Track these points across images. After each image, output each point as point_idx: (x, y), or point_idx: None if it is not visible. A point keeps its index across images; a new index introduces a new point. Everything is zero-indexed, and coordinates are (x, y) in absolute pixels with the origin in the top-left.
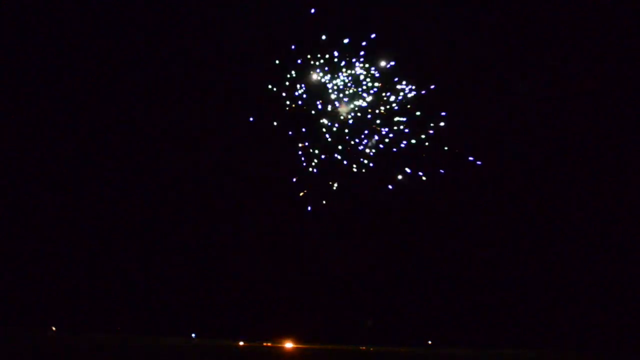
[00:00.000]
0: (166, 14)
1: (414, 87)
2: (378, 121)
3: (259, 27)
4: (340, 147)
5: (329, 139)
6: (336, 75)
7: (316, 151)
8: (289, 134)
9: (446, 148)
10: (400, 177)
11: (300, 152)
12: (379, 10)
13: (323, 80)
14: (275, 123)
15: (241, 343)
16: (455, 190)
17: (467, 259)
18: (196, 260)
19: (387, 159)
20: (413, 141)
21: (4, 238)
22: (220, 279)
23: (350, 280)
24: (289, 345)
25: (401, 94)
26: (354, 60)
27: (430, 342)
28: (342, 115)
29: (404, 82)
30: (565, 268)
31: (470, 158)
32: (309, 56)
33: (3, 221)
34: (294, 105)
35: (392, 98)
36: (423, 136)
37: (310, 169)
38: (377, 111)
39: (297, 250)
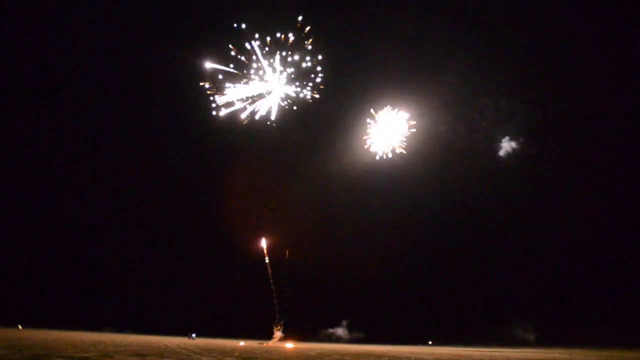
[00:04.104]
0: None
1: None
2: None
3: None
4: None
5: None
6: None
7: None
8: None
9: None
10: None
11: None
12: None
13: None
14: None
15: (241, 343)
16: (457, 190)
17: (467, 259)
18: (197, 260)
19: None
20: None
21: None
22: (221, 279)
23: (350, 280)
24: (289, 345)
25: None
26: None
27: (430, 342)
28: None
29: None
30: (566, 268)
31: None
32: None
33: None
34: None
35: None
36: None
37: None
38: None
39: (297, 251)
